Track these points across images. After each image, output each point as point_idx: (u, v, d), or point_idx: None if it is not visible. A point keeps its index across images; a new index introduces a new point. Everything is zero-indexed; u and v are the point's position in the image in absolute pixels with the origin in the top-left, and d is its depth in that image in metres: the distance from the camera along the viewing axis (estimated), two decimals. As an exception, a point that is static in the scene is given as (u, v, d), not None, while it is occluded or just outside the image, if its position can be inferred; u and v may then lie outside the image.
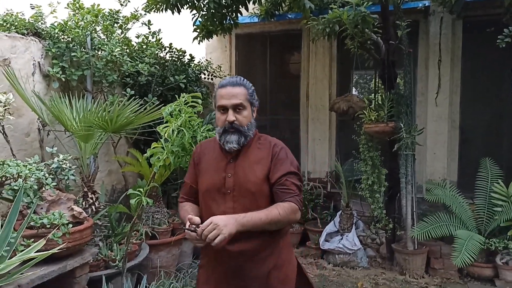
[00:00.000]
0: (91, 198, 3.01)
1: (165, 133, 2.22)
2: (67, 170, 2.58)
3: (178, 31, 4.89)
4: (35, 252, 1.64)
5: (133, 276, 3.05)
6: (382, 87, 4.34)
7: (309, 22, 4.49)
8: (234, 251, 1.69)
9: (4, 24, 3.05)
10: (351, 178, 4.87)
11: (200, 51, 6.48)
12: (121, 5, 3.73)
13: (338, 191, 5.60)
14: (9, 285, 2.07)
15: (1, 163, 1.94)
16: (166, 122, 2.33)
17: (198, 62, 5.55)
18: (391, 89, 4.21)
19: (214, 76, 6.07)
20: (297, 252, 5.13)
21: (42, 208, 2.39)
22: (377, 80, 4.42)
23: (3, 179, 1.86)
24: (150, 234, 3.51)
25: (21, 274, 1.62)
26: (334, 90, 6.13)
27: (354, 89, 6.42)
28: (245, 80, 1.84)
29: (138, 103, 3.10)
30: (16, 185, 1.85)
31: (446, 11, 4.98)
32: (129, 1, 3.77)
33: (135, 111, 2.89)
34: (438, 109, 5.44)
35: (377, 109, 3.91)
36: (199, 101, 2.36)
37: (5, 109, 2.50)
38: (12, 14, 3.14)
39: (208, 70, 5.74)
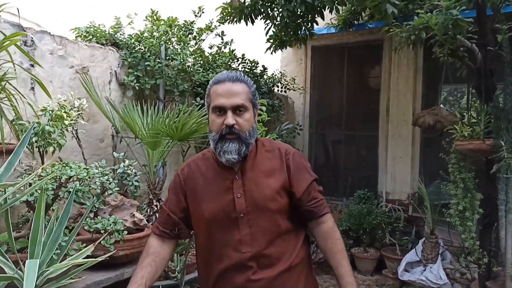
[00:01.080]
0: (156, 206, 2.98)
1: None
2: (132, 176, 2.57)
3: (252, 42, 4.84)
4: (84, 258, 1.56)
5: (193, 290, 2.94)
6: (477, 101, 3.80)
7: (391, 30, 4.15)
8: (258, 286, 1.41)
9: (86, 35, 3.22)
10: (437, 202, 4.32)
11: (275, 64, 6.39)
12: (196, 16, 3.76)
13: (421, 215, 5.03)
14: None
15: (65, 164, 1.95)
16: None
17: (271, 75, 5.46)
18: (488, 102, 3.66)
19: (288, 89, 5.93)
20: (372, 280, 4.67)
21: (105, 212, 2.39)
22: (470, 92, 3.88)
23: (63, 181, 1.85)
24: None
25: (71, 279, 1.55)
26: (419, 105, 5.61)
27: (442, 106, 5.84)
28: (245, 75, 1.51)
29: (205, 112, 3.03)
30: (71, 187, 1.83)
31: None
32: (203, 12, 3.79)
33: (198, 120, 2.82)
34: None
35: (472, 124, 3.39)
36: (264, 108, 2.18)
37: (79, 114, 2.57)
38: (94, 26, 3.30)
39: (282, 82, 5.62)
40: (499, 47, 3.54)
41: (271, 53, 4.49)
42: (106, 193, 2.34)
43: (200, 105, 3.60)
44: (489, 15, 3.73)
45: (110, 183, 2.33)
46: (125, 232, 2.18)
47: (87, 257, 1.60)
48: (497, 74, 3.79)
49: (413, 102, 5.65)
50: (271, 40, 4.43)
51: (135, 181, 2.58)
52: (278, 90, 5.84)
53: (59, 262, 1.57)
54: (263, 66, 4.71)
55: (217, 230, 1.44)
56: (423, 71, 5.62)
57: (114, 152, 2.68)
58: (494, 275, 3.93)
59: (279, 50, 4.58)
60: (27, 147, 2.26)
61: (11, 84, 2.19)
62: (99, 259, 1.58)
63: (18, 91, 2.22)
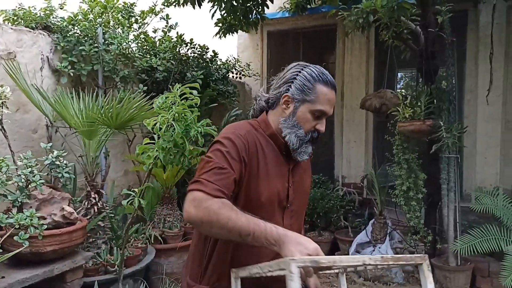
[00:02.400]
0: (94, 198, 2.86)
1: (152, 127, 1.99)
2: (62, 167, 2.44)
3: (205, 28, 4.71)
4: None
5: (136, 282, 2.86)
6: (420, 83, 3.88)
7: (340, 14, 4.14)
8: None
9: (15, 18, 3.01)
10: (386, 184, 4.42)
11: (232, 50, 6.30)
12: (135, -3, 3.61)
13: (374, 198, 5.16)
14: (-16, 288, 1.95)
15: (-25, 157, 1.81)
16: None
17: (226, 60, 5.36)
18: (430, 83, 3.74)
19: (243, 75, 5.85)
20: (326, 263, 4.74)
21: (31, 206, 2.26)
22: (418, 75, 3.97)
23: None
24: (160, 238, 3.31)
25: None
26: (372, 89, 5.68)
27: (398, 88, 5.94)
28: None
29: (144, 99, 2.91)
30: (-21, 181, 1.70)
31: (499, -2, 4.40)
32: (144, -6, 3.64)
33: (139, 107, 2.70)
34: (490, 108, 4.83)
35: (413, 105, 3.46)
36: (195, 92, 2.11)
37: (2, 103, 2.40)
38: (23, 9, 3.09)
39: (236, 68, 5.53)
40: (440, 29, 3.62)
41: (219, 37, 4.39)
42: (30, 186, 2.21)
43: (144, 93, 3.48)
44: (432, -3, 3.79)
45: (34, 176, 2.20)
46: (45, 226, 2.06)
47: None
48: (441, 57, 3.88)
49: (366, 86, 5.72)
50: (220, 24, 4.32)
51: (65, 172, 2.45)
52: (233, 77, 5.76)
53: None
54: (213, 51, 4.60)
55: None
56: (375, 56, 5.69)
57: (41, 143, 2.53)
58: (440, 253, 4.08)
59: (229, 34, 4.47)
60: None
61: None
62: (10, 254, 1.47)
63: None
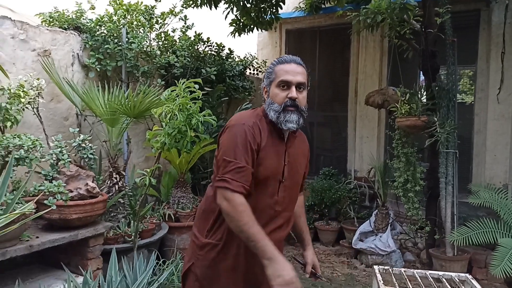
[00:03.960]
0: (115, 178, 3.27)
1: (158, 115, 2.35)
2: (87, 150, 2.85)
3: (222, 27, 5.04)
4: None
5: (150, 253, 3.25)
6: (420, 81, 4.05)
7: (348, 14, 4.36)
8: (275, 239, 1.59)
9: (51, 20, 3.45)
10: (390, 177, 4.61)
11: (252, 48, 6.61)
12: (156, 1, 3.98)
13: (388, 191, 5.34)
14: (21, 244, 2.37)
15: (15, 136, 2.22)
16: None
17: (244, 58, 5.68)
18: (431, 82, 3.92)
19: (261, 72, 6.16)
20: (332, 250, 5.00)
21: (61, 181, 2.67)
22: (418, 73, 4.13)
23: (11, 149, 2.13)
24: (173, 217, 3.70)
25: (28, 238, 1.84)
26: (386, 85, 5.85)
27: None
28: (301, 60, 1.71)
29: (158, 92, 3.28)
30: (17, 155, 2.11)
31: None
32: (163, -3, 4.01)
33: (153, 99, 3.08)
34: (500, 107, 4.91)
35: (409, 102, 3.65)
36: (196, 86, 2.44)
37: (38, 93, 2.83)
38: (58, 11, 3.53)
39: (253, 65, 5.84)
40: (439, 29, 3.78)
41: (233, 36, 4.71)
42: (60, 164, 2.63)
43: (162, 86, 3.87)
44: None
45: (63, 155, 2.62)
46: (70, 195, 2.47)
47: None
48: (442, 56, 4.04)
49: (379, 83, 5.88)
50: (234, 25, 4.64)
51: (90, 154, 2.86)
52: (250, 73, 6.08)
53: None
54: (229, 49, 4.94)
55: (263, 189, 1.60)
56: (388, 54, 5.84)
57: (70, 128, 2.95)
58: (439, 243, 4.26)
59: (243, 33, 4.78)
60: (-13, 122, 2.54)
61: (-31, 66, 2.44)
62: (40, 213, 1.87)
63: (-23, 72, 2.49)
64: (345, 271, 4.36)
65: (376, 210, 4.64)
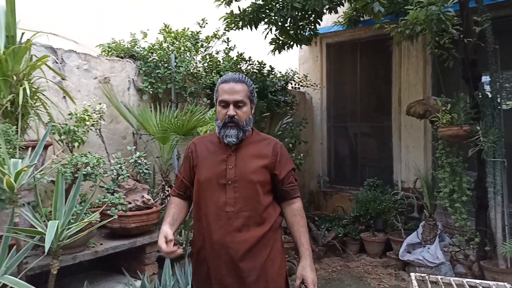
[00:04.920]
0: (167, 191, 3.55)
1: (203, 132, 2.58)
2: (142, 165, 3.15)
3: (263, 45, 5.28)
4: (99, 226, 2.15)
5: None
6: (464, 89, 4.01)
7: (386, 26, 4.43)
8: (235, 242, 1.75)
9: (109, 50, 3.86)
10: (437, 187, 4.54)
11: (293, 62, 6.79)
12: (200, 26, 4.30)
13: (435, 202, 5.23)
14: (88, 250, 2.69)
15: (82, 155, 2.55)
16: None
17: (285, 73, 5.88)
18: (474, 90, 3.87)
19: (302, 86, 6.32)
20: (378, 262, 4.97)
21: (120, 193, 2.98)
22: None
23: (79, 166, 2.45)
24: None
25: (94, 245, 2.13)
26: (429, 95, 5.77)
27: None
28: (246, 77, 1.89)
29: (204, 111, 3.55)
30: (84, 171, 2.42)
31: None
32: (206, 23, 4.32)
33: (199, 118, 3.34)
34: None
35: (451, 111, 3.63)
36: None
37: (100, 116, 3.19)
38: (115, 42, 3.94)
39: (295, 80, 6.02)
40: (479, 37, 3.75)
41: (273, 54, 4.92)
42: (119, 178, 2.94)
43: (208, 105, 4.14)
44: (472, 7, 3.93)
45: (122, 170, 2.93)
46: (128, 205, 2.76)
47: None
48: (483, 64, 3.98)
49: (424, 92, 5.81)
50: (274, 43, 4.86)
51: (145, 169, 3.16)
52: (292, 87, 6.26)
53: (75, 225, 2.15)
54: (270, 66, 5.16)
55: (207, 192, 1.81)
56: (432, 62, 5.77)
57: (128, 146, 3.28)
58: (491, 255, 4.11)
59: (284, 50, 4.98)
60: (58, 143, 2.92)
61: (44, 95, 2.83)
62: (104, 222, 2.15)
63: (50, 100, 2.88)
64: (392, 282, 4.34)
65: (423, 221, 4.58)
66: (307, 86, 6.33)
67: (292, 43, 4.92)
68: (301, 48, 5.76)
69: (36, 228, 2.09)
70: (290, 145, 4.83)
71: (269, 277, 1.80)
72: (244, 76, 1.89)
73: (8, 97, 2.51)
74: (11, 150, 2.20)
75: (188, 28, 4.35)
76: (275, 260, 1.84)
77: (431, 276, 2.46)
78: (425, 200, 4.65)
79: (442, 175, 3.92)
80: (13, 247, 2.09)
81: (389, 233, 5.14)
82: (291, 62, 6.66)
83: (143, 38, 4.01)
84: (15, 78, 2.57)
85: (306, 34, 5.18)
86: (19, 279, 1.94)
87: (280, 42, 4.82)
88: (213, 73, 4.34)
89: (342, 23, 5.79)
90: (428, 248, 4.32)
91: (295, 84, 6.12)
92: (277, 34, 4.75)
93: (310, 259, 1.81)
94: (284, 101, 5.46)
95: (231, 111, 1.79)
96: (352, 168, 6.69)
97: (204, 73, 4.18)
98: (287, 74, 5.87)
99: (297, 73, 6.02)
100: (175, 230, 1.85)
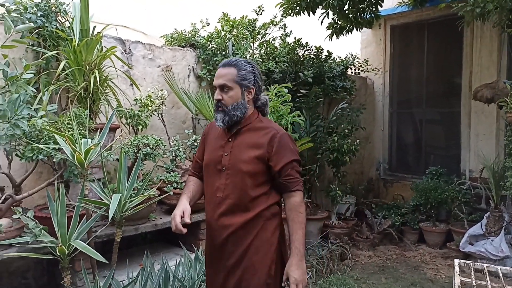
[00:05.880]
0: (222, 173, 3.75)
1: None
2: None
3: (321, 31, 5.23)
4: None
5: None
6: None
7: (454, 5, 4.17)
8: (219, 225, 1.81)
9: (172, 40, 4.13)
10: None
11: (354, 47, 6.63)
12: (257, 14, 4.40)
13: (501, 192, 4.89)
14: (149, 222, 2.98)
15: (144, 136, 2.82)
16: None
17: (344, 58, 5.79)
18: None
19: (362, 71, 6.17)
20: (438, 253, 4.79)
21: (178, 173, 3.24)
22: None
23: (140, 146, 2.72)
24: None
25: (154, 218, 2.41)
26: (504, 78, 5.33)
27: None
28: (240, 61, 1.84)
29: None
30: (144, 151, 2.68)
31: None
32: (263, 10, 4.39)
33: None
34: None
35: (520, 95, 3.36)
36: (286, 90, 2.73)
37: (162, 102, 3.46)
38: (178, 32, 4.19)
39: (355, 64, 5.90)
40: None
41: (330, 39, 4.86)
42: (177, 159, 3.19)
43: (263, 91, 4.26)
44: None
45: (180, 152, 3.17)
46: (183, 184, 2.99)
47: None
48: None
49: (498, 76, 5.39)
50: (331, 28, 4.80)
51: (200, 151, 3.38)
52: (352, 72, 6.14)
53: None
54: (328, 51, 5.11)
55: (208, 175, 1.90)
56: (508, 43, 5.31)
57: (185, 130, 3.52)
58: None
59: (341, 35, 4.91)
60: (125, 126, 3.23)
61: (113, 82, 3.15)
62: (160, 197, 2.40)
63: (118, 87, 3.19)
64: (450, 273, 4.18)
65: (488, 213, 4.32)
66: (368, 71, 6.17)
67: (351, 27, 4.82)
68: (360, 31, 5.60)
69: (103, 200, 2.39)
70: (346, 131, 4.79)
71: (250, 264, 1.79)
72: (238, 59, 1.86)
73: (82, 84, 2.84)
74: (82, 131, 2.51)
75: (246, 16, 4.48)
76: (260, 249, 1.80)
77: (476, 263, 2.37)
78: (491, 190, 4.37)
79: (509, 164, 3.67)
80: (83, 217, 2.41)
81: (451, 223, 4.91)
82: (352, 46, 6.51)
83: (202, 28, 4.22)
84: (87, 67, 2.89)
85: (367, 17, 5.05)
86: (87, 244, 2.24)
87: (338, 26, 4.75)
88: (269, 60, 4.42)
89: (407, 3, 5.52)
90: (492, 241, 4.09)
91: (355, 69, 5.99)
92: (334, 19, 4.69)
93: (298, 258, 1.74)
94: (342, 87, 5.40)
95: (216, 95, 1.83)
96: (415, 156, 6.43)
97: (261, 60, 4.29)
98: (347, 59, 5.77)
99: (358, 58, 5.88)
100: (192, 204, 1.95)
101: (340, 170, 4.88)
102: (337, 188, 4.70)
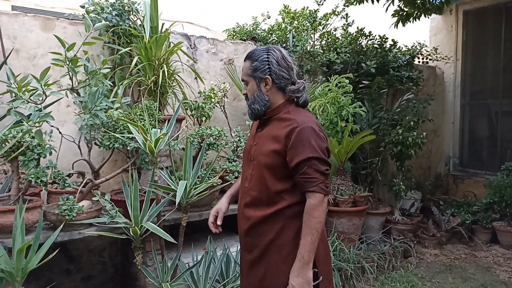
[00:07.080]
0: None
1: (312, 108, 2.70)
2: (259, 138, 3.45)
3: (385, 19, 5.04)
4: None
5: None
6: None
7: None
8: (243, 215, 1.82)
9: (234, 34, 4.23)
10: None
11: (421, 35, 6.30)
12: (318, 4, 4.35)
13: None
14: (206, 206, 3.10)
15: (207, 127, 2.95)
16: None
17: (412, 46, 5.53)
18: None
19: (431, 60, 5.85)
20: (513, 255, 4.45)
21: (239, 163, 3.34)
22: None
23: (204, 137, 2.85)
24: (333, 202, 4.03)
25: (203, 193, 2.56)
26: None
27: None
28: (256, 51, 1.79)
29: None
30: (208, 141, 2.80)
31: None
32: (325, 1, 4.34)
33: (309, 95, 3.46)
34: None
35: None
36: (346, 81, 2.70)
37: (224, 94, 3.58)
38: (239, 26, 4.29)
39: (422, 53, 5.61)
40: None
41: (395, 27, 4.66)
42: (238, 150, 3.29)
43: (323, 82, 4.22)
44: None
45: (240, 142, 3.27)
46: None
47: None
48: None
49: None
50: (397, 15, 4.61)
51: (261, 142, 3.45)
52: (420, 62, 5.84)
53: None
54: (392, 40, 4.91)
55: (244, 164, 1.93)
56: None
57: (246, 121, 3.61)
58: None
59: (408, 23, 4.69)
60: (190, 117, 3.39)
61: (179, 76, 3.32)
62: (222, 185, 2.50)
63: (184, 81, 3.35)
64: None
65: None
66: (438, 60, 5.83)
67: (419, 13, 4.60)
68: (429, 18, 5.31)
69: (171, 186, 2.55)
70: (412, 123, 4.59)
71: (273, 263, 1.73)
72: (253, 51, 1.82)
73: (152, 78, 3.04)
74: (153, 122, 2.69)
75: (307, 7, 4.46)
76: (283, 249, 1.72)
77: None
78: None
79: None
80: (153, 201, 2.59)
81: (530, 224, 4.53)
82: (420, 34, 6.18)
83: (263, 21, 4.27)
84: (157, 62, 3.08)
85: (437, 2, 4.78)
86: (157, 226, 2.42)
87: (404, 13, 4.55)
88: (330, 51, 4.37)
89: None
90: None
91: (423, 58, 5.70)
92: (400, 5, 4.50)
93: (300, 265, 1.61)
94: (408, 77, 5.17)
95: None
96: (490, 151, 5.99)
97: (322, 51, 4.25)
98: (413, 47, 5.50)
99: (426, 46, 5.58)
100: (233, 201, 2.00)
101: (405, 164, 4.70)
102: (401, 183, 4.53)
